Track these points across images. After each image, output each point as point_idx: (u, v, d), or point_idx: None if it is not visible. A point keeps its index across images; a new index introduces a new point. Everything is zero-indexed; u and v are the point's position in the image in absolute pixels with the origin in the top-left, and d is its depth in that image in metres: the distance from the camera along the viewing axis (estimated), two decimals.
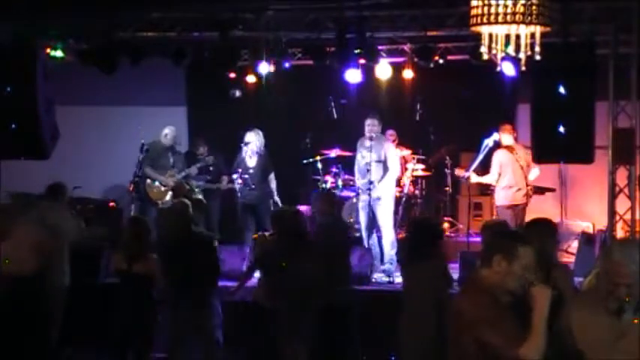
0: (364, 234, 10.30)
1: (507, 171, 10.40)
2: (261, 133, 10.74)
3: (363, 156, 10.21)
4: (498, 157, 10.46)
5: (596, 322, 4.04)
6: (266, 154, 10.76)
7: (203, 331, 7.57)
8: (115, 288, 7.69)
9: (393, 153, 10.41)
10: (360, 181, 10.38)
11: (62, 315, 7.70)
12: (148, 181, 11.04)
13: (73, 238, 7.96)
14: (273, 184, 10.71)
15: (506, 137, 10.55)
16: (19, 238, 7.09)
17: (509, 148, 10.50)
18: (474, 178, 10.71)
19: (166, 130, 11.16)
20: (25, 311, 7.10)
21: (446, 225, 11.72)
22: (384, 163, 10.19)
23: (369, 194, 10.12)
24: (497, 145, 10.55)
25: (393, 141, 11.10)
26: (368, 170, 10.14)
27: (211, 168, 11.39)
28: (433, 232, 6.60)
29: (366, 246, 10.18)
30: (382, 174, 10.17)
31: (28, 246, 7.09)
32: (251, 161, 10.73)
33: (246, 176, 10.88)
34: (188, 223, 7.68)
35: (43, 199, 8.17)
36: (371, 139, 10.17)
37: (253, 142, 10.66)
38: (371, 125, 10.23)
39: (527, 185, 10.44)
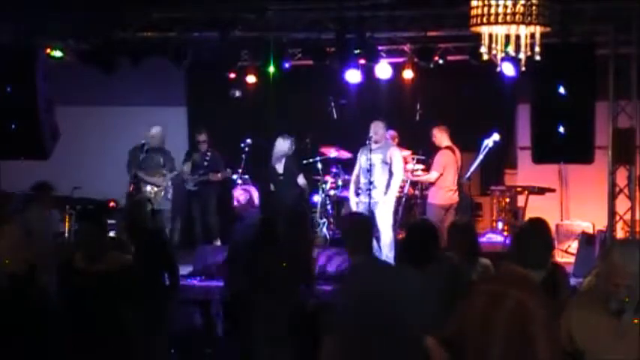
0: None
1: (449, 172, 10.57)
2: (288, 140, 10.84)
3: (368, 158, 10.17)
4: (443, 157, 10.68)
5: (596, 323, 4.04)
6: (290, 159, 10.86)
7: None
8: None
9: (399, 158, 10.40)
10: (361, 182, 10.38)
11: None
12: (141, 183, 11.02)
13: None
14: (302, 185, 10.82)
15: (445, 138, 10.74)
16: (9, 237, 7.12)
17: (450, 148, 10.73)
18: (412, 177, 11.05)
19: (153, 131, 11.15)
20: (20, 309, 7.11)
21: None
22: (389, 166, 10.21)
23: (369, 195, 10.12)
24: (435, 145, 10.91)
25: (394, 139, 11.07)
26: (368, 170, 10.14)
27: (206, 163, 11.37)
28: (430, 233, 6.55)
29: None
30: (388, 177, 10.19)
31: (18, 245, 7.12)
32: (280, 167, 10.88)
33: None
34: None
35: (29, 198, 8.13)
36: (376, 142, 10.18)
37: (278, 148, 10.78)
38: (376, 128, 10.24)
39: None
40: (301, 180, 10.83)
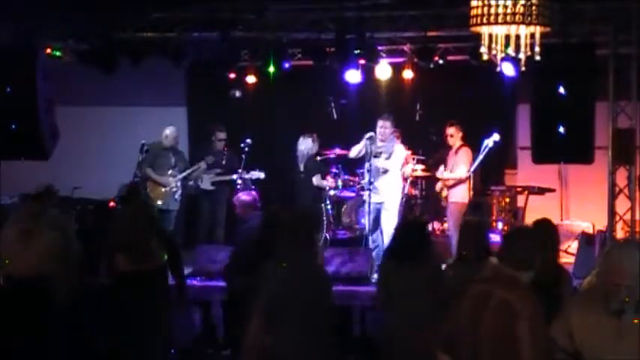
0: (369, 235, 10.33)
1: (470, 169, 10.52)
2: (309, 139, 10.71)
3: (370, 158, 10.18)
4: (468, 154, 10.56)
5: (597, 323, 4.04)
6: (310, 160, 10.77)
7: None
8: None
9: (399, 155, 10.40)
10: (363, 181, 10.39)
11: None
12: (149, 182, 11.00)
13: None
14: (320, 185, 10.74)
15: (460, 137, 10.67)
16: (32, 241, 7.13)
17: (468, 147, 10.65)
18: (446, 174, 10.74)
19: (167, 131, 11.11)
20: (31, 312, 7.11)
21: (446, 225, 11.68)
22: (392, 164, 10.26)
23: (371, 195, 10.15)
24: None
25: (397, 137, 11.05)
26: (369, 171, 10.17)
27: (224, 162, 11.31)
28: (425, 231, 6.57)
29: (370, 246, 10.18)
30: (392, 178, 10.22)
31: (40, 250, 7.12)
32: (302, 166, 10.84)
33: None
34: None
35: (33, 201, 8.11)
36: (382, 141, 10.18)
37: (300, 147, 10.74)
38: (383, 128, 10.22)
39: None
40: (317, 180, 10.75)
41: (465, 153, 10.58)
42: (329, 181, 11.05)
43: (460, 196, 10.56)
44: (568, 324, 4.13)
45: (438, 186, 10.88)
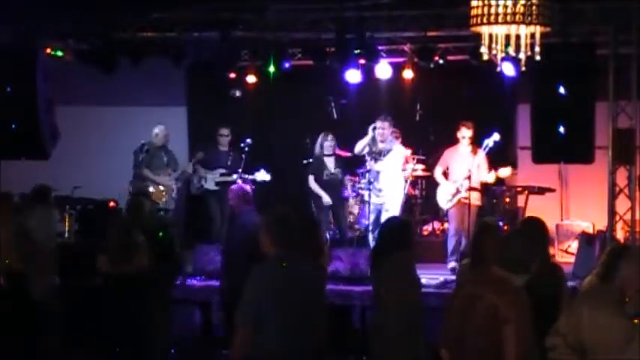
0: (370, 234, 10.35)
1: None
2: (321, 138, 10.71)
3: (375, 157, 10.18)
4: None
5: (608, 324, 4.07)
6: (315, 159, 10.79)
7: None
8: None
9: (398, 154, 10.39)
10: (362, 180, 10.39)
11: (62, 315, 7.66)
12: (149, 182, 10.98)
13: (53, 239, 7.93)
14: (313, 188, 10.71)
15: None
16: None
17: None
18: (490, 177, 10.47)
19: (156, 130, 11.08)
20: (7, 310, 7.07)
21: (446, 226, 11.68)
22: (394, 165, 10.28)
23: (370, 195, 10.16)
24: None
25: (397, 137, 11.05)
26: (369, 171, 10.18)
27: (229, 162, 11.27)
28: (400, 231, 6.55)
29: (370, 246, 10.19)
30: (393, 178, 10.25)
31: (5, 246, 7.08)
32: None
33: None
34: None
35: (27, 200, 8.10)
36: (382, 142, 10.19)
37: (316, 146, 10.76)
38: (381, 128, 10.23)
39: None
40: (311, 183, 10.72)
41: (485, 154, 10.47)
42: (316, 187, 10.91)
43: (478, 197, 10.51)
44: (578, 322, 4.15)
45: (453, 188, 10.65)
